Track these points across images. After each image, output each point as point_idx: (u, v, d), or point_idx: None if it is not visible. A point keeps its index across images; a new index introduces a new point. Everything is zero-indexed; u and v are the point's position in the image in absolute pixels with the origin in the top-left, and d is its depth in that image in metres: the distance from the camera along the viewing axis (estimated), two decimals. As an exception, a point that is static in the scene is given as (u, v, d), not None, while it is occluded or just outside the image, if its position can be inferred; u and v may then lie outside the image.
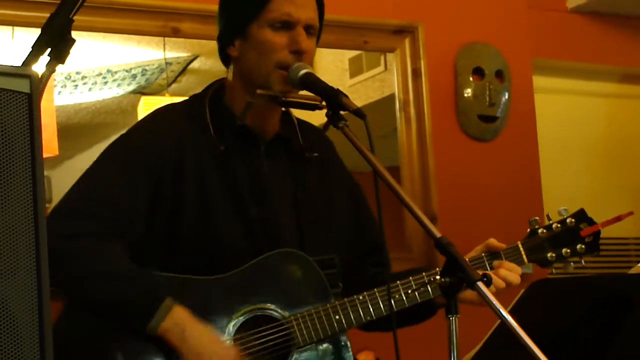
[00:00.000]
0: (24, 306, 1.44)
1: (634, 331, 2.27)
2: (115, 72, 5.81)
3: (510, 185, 4.69)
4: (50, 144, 4.20)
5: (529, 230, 2.56)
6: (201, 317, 2.27)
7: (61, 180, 5.02)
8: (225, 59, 2.48)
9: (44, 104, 1.68)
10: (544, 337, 1.87)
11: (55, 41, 1.78)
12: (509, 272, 2.43)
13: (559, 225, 2.56)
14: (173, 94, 5.54)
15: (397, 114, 4.51)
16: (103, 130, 6.40)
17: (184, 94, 5.62)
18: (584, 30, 5.28)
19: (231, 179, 2.37)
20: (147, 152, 2.35)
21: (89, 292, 2.26)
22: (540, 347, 1.73)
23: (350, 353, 2.40)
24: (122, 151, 2.38)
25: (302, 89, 2.31)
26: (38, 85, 1.50)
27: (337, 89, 2.17)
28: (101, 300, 2.25)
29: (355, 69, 4.93)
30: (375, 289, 2.38)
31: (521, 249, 2.52)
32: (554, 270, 2.56)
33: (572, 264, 2.55)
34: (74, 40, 1.81)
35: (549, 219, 2.57)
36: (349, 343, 2.41)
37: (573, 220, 2.56)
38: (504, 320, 1.78)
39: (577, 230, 2.56)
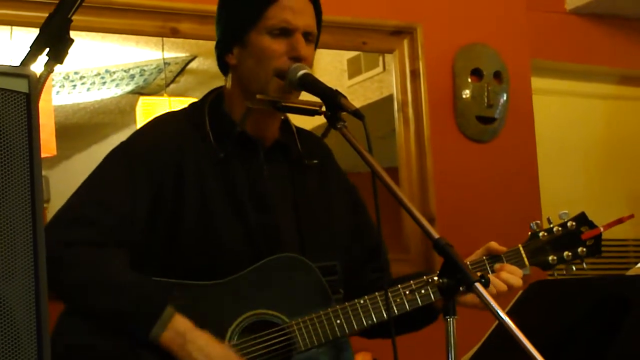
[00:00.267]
0: (22, 306, 1.44)
1: (633, 332, 2.27)
2: (114, 72, 5.81)
3: (508, 187, 4.69)
4: (48, 144, 4.19)
5: (530, 233, 2.56)
6: (202, 323, 2.26)
7: (59, 180, 5.03)
8: (223, 67, 2.48)
9: (42, 104, 1.67)
10: (542, 338, 1.87)
11: (54, 41, 1.78)
12: (511, 275, 2.42)
13: (560, 228, 2.56)
14: (171, 95, 5.54)
15: (396, 114, 4.51)
16: (101, 130, 6.40)
17: (183, 95, 5.64)
18: (583, 32, 5.28)
19: (231, 185, 2.37)
20: (148, 159, 2.35)
21: (89, 301, 2.26)
22: (539, 349, 1.73)
23: (351, 355, 2.40)
24: (123, 158, 2.38)
25: (301, 90, 2.31)
26: (36, 85, 1.50)
27: (336, 90, 2.17)
28: (101, 310, 2.25)
29: (354, 69, 4.93)
30: (377, 293, 2.38)
31: (522, 252, 2.52)
32: (556, 274, 2.56)
33: (573, 267, 2.55)
34: (72, 40, 1.80)
35: (550, 222, 2.57)
36: (350, 347, 2.41)
37: (574, 223, 2.57)
38: (502, 322, 1.78)
39: (579, 233, 2.56)
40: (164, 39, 4.77)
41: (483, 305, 1.82)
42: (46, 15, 1.81)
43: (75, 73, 5.74)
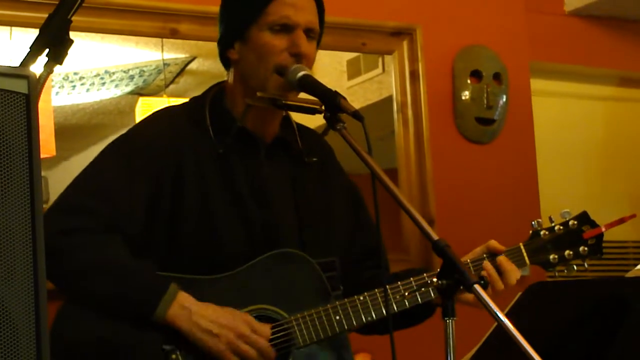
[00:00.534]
0: (21, 307, 1.44)
1: (631, 334, 2.27)
2: (113, 73, 5.81)
3: (507, 188, 4.69)
4: (47, 145, 4.19)
5: (531, 232, 2.55)
6: None
7: (58, 181, 5.01)
8: (225, 62, 2.48)
9: (41, 104, 1.67)
10: (541, 340, 1.87)
11: (54, 42, 1.78)
12: (511, 271, 2.43)
13: (561, 227, 2.55)
14: (171, 95, 5.54)
15: (395, 116, 4.51)
16: (101, 131, 6.40)
17: (182, 95, 5.64)
18: (582, 34, 5.29)
19: (230, 181, 2.37)
20: (147, 153, 2.35)
21: (91, 286, 2.25)
22: (537, 350, 1.73)
23: (351, 353, 2.41)
24: (121, 151, 2.38)
25: (300, 91, 2.31)
26: (36, 86, 1.50)
27: (335, 91, 2.17)
28: (104, 293, 2.25)
29: (353, 71, 4.93)
30: (376, 290, 2.38)
31: (523, 250, 2.52)
32: (556, 274, 2.56)
33: (574, 266, 2.54)
34: (72, 41, 1.81)
35: (552, 221, 2.56)
36: (349, 344, 2.41)
37: (576, 222, 2.56)
38: (500, 323, 1.78)
39: (580, 232, 2.56)
40: (164, 39, 4.77)
41: (478, 303, 1.82)
42: (46, 15, 1.81)
43: (75, 74, 5.74)
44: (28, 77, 1.49)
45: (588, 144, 5.53)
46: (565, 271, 2.56)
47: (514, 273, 2.45)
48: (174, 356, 2.24)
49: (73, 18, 1.81)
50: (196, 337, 2.23)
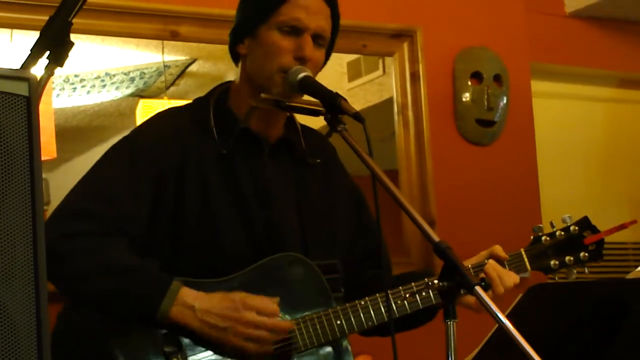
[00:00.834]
0: (22, 309, 1.44)
1: (631, 336, 2.27)
2: (114, 75, 5.81)
3: (508, 190, 4.69)
4: (48, 147, 4.19)
5: (532, 237, 2.56)
6: None
7: (59, 183, 5.02)
8: (234, 56, 2.48)
9: (42, 106, 1.68)
10: (541, 341, 1.87)
11: (54, 44, 1.78)
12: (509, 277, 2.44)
13: (562, 232, 2.56)
14: (171, 97, 5.54)
15: (396, 117, 4.51)
16: (101, 133, 6.40)
17: (183, 97, 5.64)
18: (583, 35, 5.29)
19: (234, 182, 2.37)
20: (150, 154, 2.35)
21: (93, 288, 2.25)
22: (538, 352, 1.73)
23: (352, 358, 2.40)
24: (125, 152, 2.38)
25: (301, 92, 2.31)
26: (36, 88, 1.50)
27: (336, 93, 2.17)
28: (106, 294, 2.24)
29: (354, 72, 4.94)
30: (377, 294, 2.38)
31: (524, 256, 2.52)
32: (557, 278, 2.57)
33: (575, 272, 2.55)
34: (72, 43, 1.81)
35: (553, 227, 2.57)
36: (349, 348, 2.41)
37: (577, 228, 2.57)
38: (501, 325, 1.78)
39: (581, 238, 2.56)
40: (164, 41, 4.77)
41: (479, 306, 1.82)
42: (46, 18, 1.81)
43: (76, 76, 5.74)
44: (29, 80, 1.49)
45: (588, 145, 5.52)
46: (566, 276, 2.56)
47: (511, 277, 2.45)
48: (175, 359, 2.24)
49: (74, 20, 1.81)
50: (205, 333, 2.24)
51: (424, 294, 2.41)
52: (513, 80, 4.77)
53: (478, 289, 1.81)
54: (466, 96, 4.65)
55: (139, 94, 6.01)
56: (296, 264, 2.36)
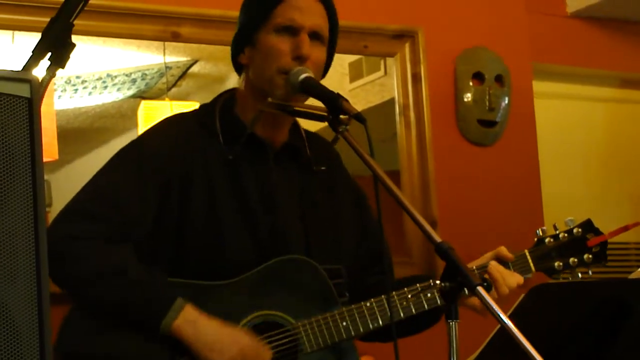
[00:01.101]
0: (24, 310, 1.44)
1: (633, 336, 2.27)
2: (115, 77, 5.81)
3: (510, 190, 4.69)
4: (50, 148, 4.19)
5: (536, 239, 2.57)
6: None
7: (61, 185, 5.03)
8: (237, 67, 2.49)
9: (44, 108, 1.68)
10: (543, 341, 1.87)
11: (56, 45, 1.78)
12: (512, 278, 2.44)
13: (566, 235, 2.57)
14: (173, 99, 5.54)
15: (397, 118, 4.51)
16: (103, 134, 6.40)
17: (184, 98, 5.64)
18: (584, 35, 5.28)
19: (239, 188, 2.37)
20: (157, 160, 2.35)
21: (97, 293, 2.25)
22: (540, 352, 1.73)
23: (357, 359, 2.41)
24: (132, 157, 2.38)
25: (302, 93, 2.31)
26: (38, 90, 1.50)
27: (337, 94, 2.17)
28: (109, 302, 2.25)
29: (355, 73, 4.93)
30: (383, 296, 2.38)
31: (529, 257, 2.53)
32: (560, 279, 2.57)
33: (579, 274, 2.56)
34: (74, 45, 1.81)
35: (556, 229, 2.58)
36: (355, 350, 2.41)
37: (580, 230, 2.58)
38: (503, 325, 1.78)
39: (584, 240, 2.57)
40: (165, 43, 4.77)
41: (483, 308, 1.82)
42: (48, 19, 1.81)
43: (77, 77, 5.74)
44: (30, 81, 1.49)
45: (589, 145, 5.52)
46: (570, 278, 2.57)
47: (515, 278, 2.45)
48: None
49: (75, 22, 1.82)
50: (199, 350, 2.24)
51: (429, 294, 2.41)
52: (514, 80, 4.77)
53: (480, 289, 1.81)
54: (468, 97, 4.65)
55: (141, 95, 6.01)
56: (301, 267, 2.36)
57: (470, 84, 4.65)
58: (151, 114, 5.03)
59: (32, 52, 1.78)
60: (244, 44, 2.43)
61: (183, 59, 5.51)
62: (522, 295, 2.15)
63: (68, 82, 5.75)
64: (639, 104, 5.72)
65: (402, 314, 2.40)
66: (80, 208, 2.32)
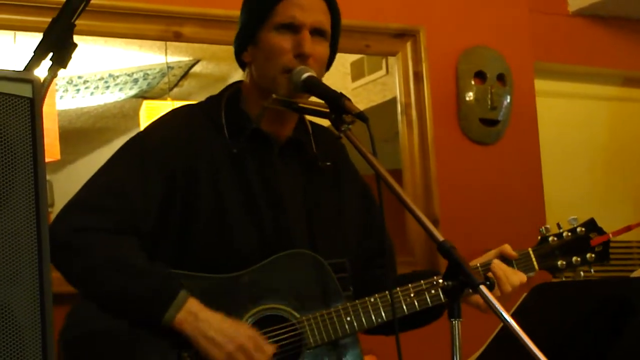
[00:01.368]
0: (27, 310, 1.44)
1: (635, 334, 2.27)
2: (117, 77, 5.81)
3: (512, 189, 4.69)
4: (52, 148, 4.19)
5: (539, 237, 2.57)
6: None
7: (63, 185, 5.03)
8: (241, 64, 2.50)
9: (45, 108, 1.68)
10: (546, 340, 1.87)
11: (57, 46, 1.78)
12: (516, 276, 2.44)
13: (569, 233, 2.58)
14: (175, 98, 5.54)
15: (399, 117, 4.51)
16: (105, 134, 6.40)
17: (186, 98, 5.64)
18: (586, 34, 5.28)
19: (244, 181, 2.38)
20: (160, 152, 2.36)
21: (101, 285, 2.25)
22: (543, 350, 1.73)
23: (361, 355, 2.41)
24: (137, 149, 2.39)
25: (305, 92, 2.32)
26: (40, 90, 1.50)
27: (340, 93, 2.18)
28: (113, 293, 2.25)
29: (357, 72, 4.93)
30: (387, 291, 2.38)
31: (532, 255, 2.53)
32: (564, 278, 2.57)
33: (582, 272, 2.56)
34: (75, 45, 1.81)
35: (560, 228, 2.58)
36: (359, 345, 2.41)
37: (583, 229, 2.59)
38: (506, 323, 1.78)
39: (587, 239, 2.58)
40: (167, 43, 4.76)
41: (486, 307, 1.82)
42: (50, 20, 1.81)
43: (79, 77, 5.74)
44: (32, 81, 1.49)
45: (592, 143, 5.52)
46: (572, 276, 2.57)
47: (518, 275, 2.45)
48: (185, 354, 2.24)
49: (77, 22, 1.82)
50: (199, 344, 2.23)
51: (433, 292, 2.41)
52: (516, 79, 4.77)
53: (483, 288, 1.81)
54: (470, 95, 4.65)
55: (143, 95, 6.01)
56: (306, 261, 2.37)
57: (472, 82, 4.65)
58: (153, 114, 5.03)
59: (34, 52, 1.78)
60: (246, 43, 2.44)
61: (185, 58, 5.51)
62: (525, 294, 2.15)
63: (70, 82, 5.75)
64: (641, 102, 5.72)
65: (406, 311, 2.40)
66: (83, 202, 2.32)
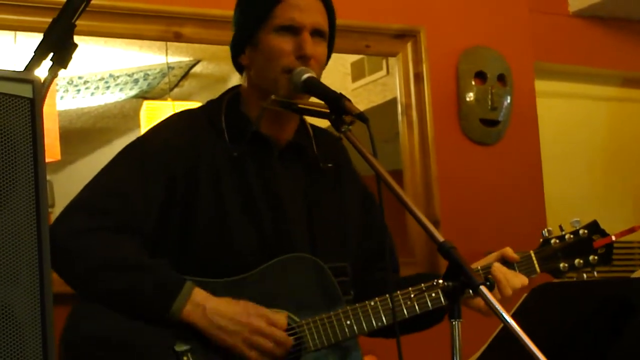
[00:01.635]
0: (27, 311, 1.44)
1: (636, 335, 2.27)
2: (118, 77, 5.81)
3: (512, 189, 4.69)
4: (52, 149, 4.20)
5: (541, 240, 2.57)
6: None
7: (63, 185, 5.03)
8: (238, 67, 2.50)
9: (46, 108, 1.68)
10: (546, 340, 1.87)
11: (58, 46, 1.78)
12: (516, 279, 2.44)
13: (571, 236, 2.57)
14: (175, 99, 5.54)
15: (400, 118, 4.51)
16: (105, 134, 6.40)
17: (186, 99, 5.64)
18: (586, 34, 5.28)
19: (244, 185, 2.38)
20: (164, 154, 2.36)
21: (106, 283, 2.25)
22: (543, 351, 1.73)
23: (361, 358, 2.40)
24: (139, 152, 2.40)
25: (305, 93, 2.32)
26: (40, 90, 1.50)
27: (340, 93, 2.18)
28: (119, 291, 2.24)
29: (358, 73, 4.94)
30: (387, 295, 2.38)
31: (534, 258, 2.53)
32: (566, 279, 2.57)
33: (584, 275, 2.56)
34: (76, 45, 1.81)
35: (562, 230, 2.58)
36: (359, 348, 2.41)
37: (586, 231, 2.58)
38: (506, 324, 1.78)
39: (590, 241, 2.57)
40: (168, 43, 4.77)
41: (487, 310, 1.82)
42: (50, 20, 1.81)
43: (79, 78, 5.74)
44: (33, 82, 1.49)
45: (592, 144, 5.52)
46: (575, 279, 2.57)
47: (519, 278, 2.45)
48: (185, 358, 2.25)
49: (77, 22, 1.82)
50: (212, 334, 2.24)
51: (433, 294, 2.41)
52: (517, 79, 4.77)
53: (483, 288, 1.81)
54: (470, 96, 4.65)
55: (143, 96, 6.01)
56: (306, 265, 2.37)
57: (473, 83, 4.65)
58: (153, 114, 5.04)
59: (34, 52, 1.78)
60: (244, 45, 2.44)
61: (185, 59, 5.51)
62: (525, 295, 2.15)
63: (70, 82, 5.76)
64: (641, 102, 5.72)
65: (406, 314, 2.40)
66: (83, 204, 2.32)
